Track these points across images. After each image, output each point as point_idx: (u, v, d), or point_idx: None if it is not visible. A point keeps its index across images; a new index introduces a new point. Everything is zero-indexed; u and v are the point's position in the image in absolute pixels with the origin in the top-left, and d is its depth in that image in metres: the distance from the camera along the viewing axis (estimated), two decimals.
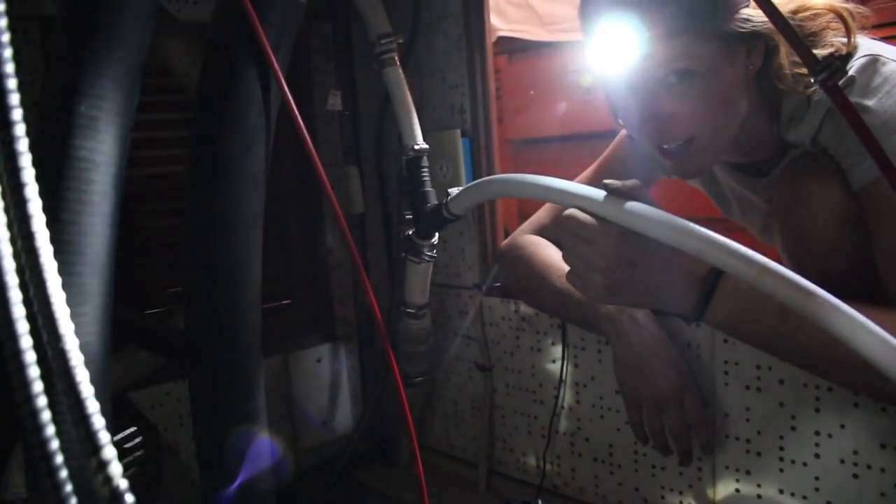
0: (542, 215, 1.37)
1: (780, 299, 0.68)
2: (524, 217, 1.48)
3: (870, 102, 0.91)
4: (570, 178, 1.28)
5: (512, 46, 2.37)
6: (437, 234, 1.27)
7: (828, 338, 0.67)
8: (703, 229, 0.75)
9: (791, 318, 0.85)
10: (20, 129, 0.43)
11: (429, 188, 1.30)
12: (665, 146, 1.04)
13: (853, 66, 0.94)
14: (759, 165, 1.17)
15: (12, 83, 0.42)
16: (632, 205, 0.82)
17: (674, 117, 1.00)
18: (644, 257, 0.88)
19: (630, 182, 0.84)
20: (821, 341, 0.80)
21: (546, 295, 1.24)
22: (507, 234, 1.60)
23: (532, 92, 2.34)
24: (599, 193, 0.86)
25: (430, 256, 1.31)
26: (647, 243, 0.84)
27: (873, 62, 0.94)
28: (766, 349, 0.97)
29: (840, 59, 0.60)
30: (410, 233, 1.29)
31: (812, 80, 0.68)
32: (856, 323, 0.64)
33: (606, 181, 0.85)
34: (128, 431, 1.21)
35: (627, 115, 1.08)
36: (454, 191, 1.11)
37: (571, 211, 0.90)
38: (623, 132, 1.31)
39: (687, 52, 0.95)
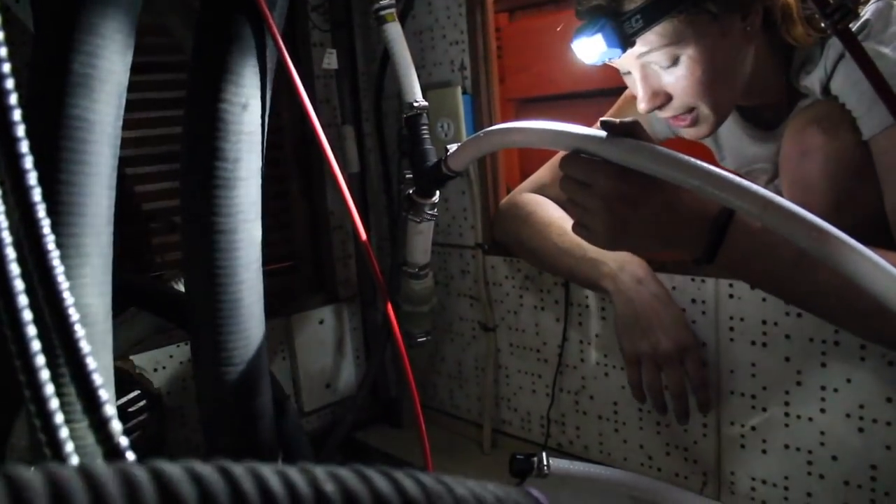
0: (542, 174, 1.36)
1: (788, 236, 0.66)
2: (526, 175, 1.47)
3: (885, 49, 0.89)
4: None
5: (513, 4, 2.34)
6: (437, 193, 1.26)
7: (844, 281, 0.65)
8: (705, 165, 0.71)
9: (806, 261, 0.83)
10: (9, 84, 0.42)
11: (429, 146, 1.28)
12: (666, 117, 1.05)
13: (868, 10, 0.92)
14: (769, 114, 1.15)
15: None
16: (630, 142, 0.79)
17: (670, 96, 1.01)
18: (647, 197, 0.84)
19: (628, 119, 0.81)
20: (837, 285, 0.79)
21: (547, 254, 1.23)
22: (509, 193, 1.59)
23: (534, 50, 2.31)
24: (597, 133, 0.82)
25: (431, 215, 1.30)
26: (649, 182, 0.81)
27: (890, 7, 0.92)
28: (778, 294, 0.95)
29: (852, 1, 0.58)
30: (411, 192, 1.27)
31: (822, 25, 0.66)
32: (869, 261, 0.62)
33: (603, 118, 0.82)
34: (131, 395, 1.21)
35: (631, 89, 1.09)
36: (453, 147, 1.10)
37: (568, 154, 0.87)
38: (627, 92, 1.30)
39: (669, 38, 0.94)
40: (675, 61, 0.97)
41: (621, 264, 1.12)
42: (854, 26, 0.92)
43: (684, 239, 0.89)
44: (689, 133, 1.10)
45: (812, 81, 1.00)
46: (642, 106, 1.04)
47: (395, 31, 1.31)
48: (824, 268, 0.67)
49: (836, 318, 0.92)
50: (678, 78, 0.99)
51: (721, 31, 0.96)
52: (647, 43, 0.96)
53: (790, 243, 0.69)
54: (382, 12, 1.31)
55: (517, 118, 2.51)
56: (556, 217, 1.23)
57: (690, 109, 1.03)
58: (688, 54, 0.96)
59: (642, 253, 1.12)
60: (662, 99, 1.03)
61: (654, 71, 1.00)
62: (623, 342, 1.14)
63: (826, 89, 0.99)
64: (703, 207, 0.87)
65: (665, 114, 1.05)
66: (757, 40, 1.01)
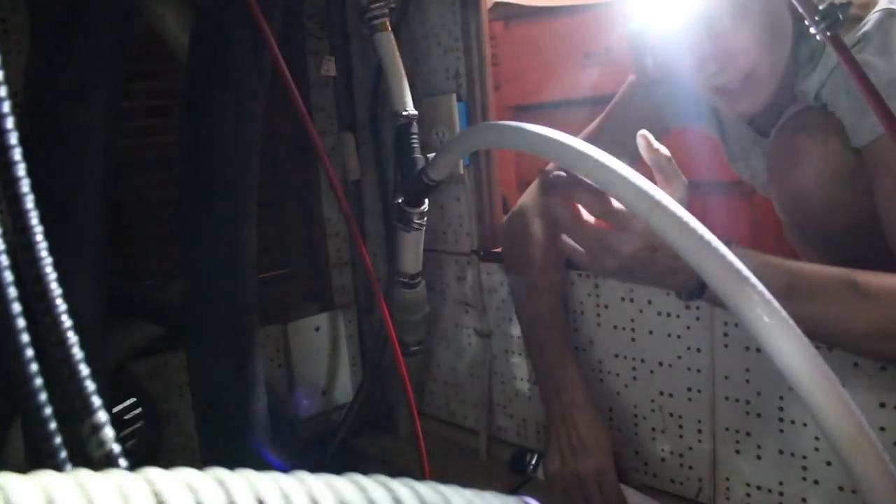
0: None
1: (670, 242, 0.63)
2: (521, 182, 1.47)
3: (878, 59, 0.89)
4: None
5: (508, 13, 2.34)
6: (426, 202, 1.26)
7: (838, 310, 0.66)
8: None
9: (799, 294, 0.84)
10: (2, 91, 0.42)
11: (417, 155, 1.29)
12: (722, 84, 1.00)
13: (870, 20, 0.92)
14: (762, 119, 1.14)
15: None
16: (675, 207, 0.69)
17: (732, 54, 0.97)
18: (658, 253, 0.85)
19: (668, 168, 0.82)
20: (832, 314, 0.80)
21: (531, 336, 1.30)
22: (504, 202, 1.59)
23: (529, 57, 2.32)
24: (575, 146, 0.77)
25: (420, 224, 1.30)
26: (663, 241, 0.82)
27: (890, 17, 0.91)
28: None
29: (840, 8, 0.58)
30: (399, 201, 1.27)
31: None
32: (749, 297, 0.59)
33: (651, 155, 0.83)
34: (127, 403, 1.21)
35: (679, 59, 1.03)
36: (433, 156, 1.10)
37: (601, 193, 0.84)
38: (631, 78, 1.29)
39: None
40: (738, 13, 0.94)
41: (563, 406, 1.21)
42: (853, 37, 0.92)
43: (678, 282, 0.91)
44: (741, 106, 1.04)
45: (807, 86, 1.00)
46: (711, 67, 0.99)
47: (386, 40, 1.31)
48: (819, 300, 0.67)
49: (839, 344, 0.92)
50: (741, 31, 0.95)
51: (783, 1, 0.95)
52: None
53: (780, 278, 0.69)
54: (375, 21, 1.31)
55: None
56: (550, 307, 1.28)
57: (747, 76, 0.98)
58: (757, 8, 0.94)
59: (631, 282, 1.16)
60: (720, 63, 0.98)
61: (715, 30, 0.96)
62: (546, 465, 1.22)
63: (818, 95, 0.99)
64: None
65: (721, 78, 0.99)
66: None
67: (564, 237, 0.94)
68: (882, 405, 1.02)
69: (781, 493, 1.15)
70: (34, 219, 0.44)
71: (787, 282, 0.74)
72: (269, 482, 0.30)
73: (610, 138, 1.20)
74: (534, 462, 1.26)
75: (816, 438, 1.09)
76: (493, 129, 0.92)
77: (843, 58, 0.64)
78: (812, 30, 0.60)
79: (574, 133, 1.32)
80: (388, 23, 1.34)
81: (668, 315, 1.23)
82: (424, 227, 1.30)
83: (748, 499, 1.19)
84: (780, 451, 1.14)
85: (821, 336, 0.90)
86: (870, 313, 0.81)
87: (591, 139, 1.24)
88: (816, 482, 1.11)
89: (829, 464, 1.09)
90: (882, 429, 1.03)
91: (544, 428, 1.44)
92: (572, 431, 1.18)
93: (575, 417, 1.18)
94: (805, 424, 1.10)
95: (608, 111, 1.34)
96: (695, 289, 0.90)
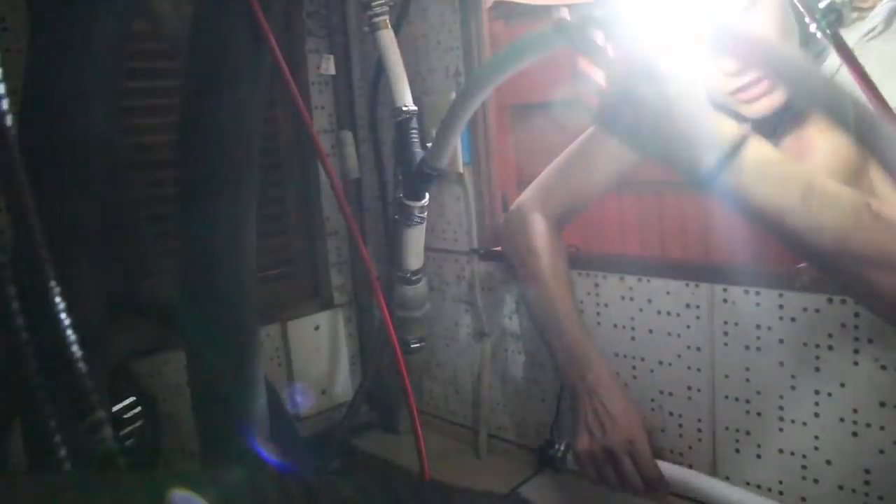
0: (549, 178, 1.32)
1: None
2: (521, 180, 1.46)
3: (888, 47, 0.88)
4: (571, 141, 1.27)
5: (508, 12, 2.34)
6: (426, 196, 1.26)
7: (845, 223, 0.64)
8: None
9: (813, 197, 0.81)
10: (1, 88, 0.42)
11: (417, 149, 1.28)
12: (743, 84, 0.97)
13: (880, 11, 0.91)
14: (765, 125, 1.13)
15: None
16: None
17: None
18: None
19: None
20: (839, 226, 0.78)
21: (545, 324, 1.26)
22: (504, 200, 1.59)
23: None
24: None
25: (421, 218, 1.29)
26: None
27: None
28: (779, 230, 0.85)
29: (842, 6, 0.57)
30: (401, 195, 1.27)
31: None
32: None
33: None
34: (126, 402, 1.21)
35: (702, 67, 0.98)
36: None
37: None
38: (591, 130, 1.27)
39: None
40: (756, 4, 0.93)
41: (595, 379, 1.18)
42: (864, 28, 0.91)
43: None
44: (761, 105, 1.01)
45: None
46: (731, 67, 0.96)
47: (387, 38, 1.31)
48: (831, 209, 0.65)
49: (834, 263, 0.83)
50: (761, 18, 0.93)
51: None
52: None
53: (798, 179, 0.68)
54: (375, 19, 1.31)
55: (512, 125, 2.52)
56: (561, 295, 1.25)
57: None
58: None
59: None
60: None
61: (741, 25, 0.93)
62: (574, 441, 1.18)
63: None
64: None
65: (743, 80, 0.97)
66: None
67: None
68: (882, 404, 1.02)
69: (781, 493, 1.15)
70: (34, 218, 0.44)
71: (804, 183, 0.72)
72: (270, 483, 0.30)
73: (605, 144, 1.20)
74: (562, 449, 1.23)
75: (816, 437, 1.09)
76: (470, 80, 0.92)
77: (842, 55, 0.64)
78: (812, 28, 0.59)
79: (573, 135, 1.33)
80: (388, 20, 1.34)
81: (669, 314, 1.23)
82: (425, 223, 1.30)
83: None
84: (780, 451, 1.14)
85: (820, 249, 0.82)
86: (873, 235, 0.78)
87: (586, 145, 1.24)
88: (816, 481, 1.11)
89: (828, 462, 1.09)
90: (882, 428, 1.03)
91: (543, 426, 1.44)
92: (599, 407, 1.15)
93: (600, 394, 1.15)
94: (805, 424, 1.10)
95: (567, 155, 1.30)
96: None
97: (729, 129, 0.81)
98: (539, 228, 1.27)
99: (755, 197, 0.86)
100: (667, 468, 1.10)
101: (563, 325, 1.21)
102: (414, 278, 1.39)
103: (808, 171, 0.83)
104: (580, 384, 1.17)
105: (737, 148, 0.81)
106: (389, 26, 1.33)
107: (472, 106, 1.08)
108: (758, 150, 0.82)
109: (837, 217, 0.78)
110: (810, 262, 0.88)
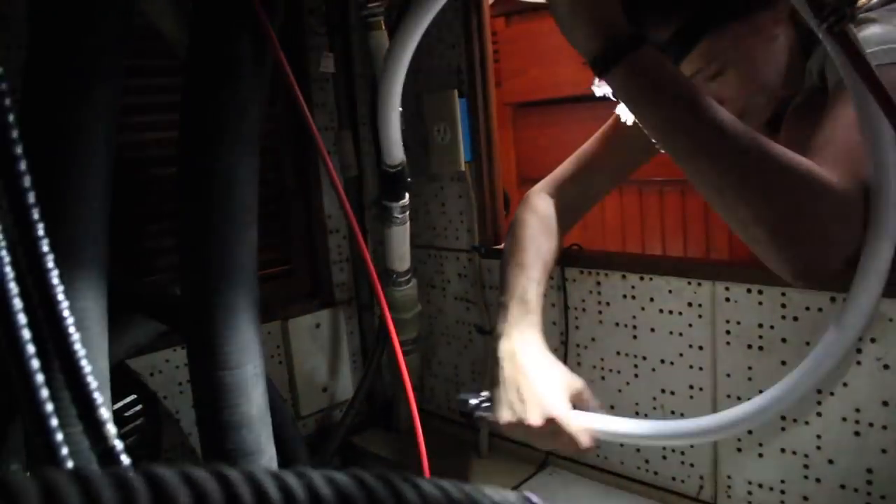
0: (563, 169, 1.29)
1: None
2: (523, 180, 1.46)
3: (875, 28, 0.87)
4: (573, 139, 1.27)
5: (510, 9, 2.34)
6: (406, 195, 1.24)
7: (712, 134, 0.65)
8: None
9: (681, 106, 0.80)
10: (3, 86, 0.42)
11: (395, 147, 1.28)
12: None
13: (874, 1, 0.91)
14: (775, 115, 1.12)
15: None
16: None
17: (723, 102, 0.96)
18: None
19: None
20: (707, 136, 0.78)
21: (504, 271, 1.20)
22: (505, 197, 1.59)
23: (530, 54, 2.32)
24: None
25: (401, 219, 1.28)
26: None
27: None
28: (660, 133, 0.86)
29: (849, 3, 0.57)
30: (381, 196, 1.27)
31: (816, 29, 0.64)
32: None
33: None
34: (127, 399, 1.21)
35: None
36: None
37: None
38: (604, 127, 1.27)
39: (709, 55, 0.92)
40: (720, 72, 0.95)
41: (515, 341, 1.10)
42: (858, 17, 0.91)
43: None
44: (764, 116, 1.03)
45: (811, 65, 0.98)
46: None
47: (380, 39, 1.32)
48: (701, 122, 0.66)
49: (720, 187, 0.82)
50: (728, 85, 0.95)
51: (753, 31, 0.94)
52: (690, 65, 0.93)
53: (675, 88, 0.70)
54: (370, 19, 1.31)
55: (513, 122, 2.52)
56: (521, 249, 1.20)
57: (743, 111, 0.97)
58: (731, 62, 0.94)
59: None
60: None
61: (700, 84, 0.94)
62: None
63: (820, 72, 0.97)
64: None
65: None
66: (785, 26, 0.98)
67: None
68: (885, 403, 1.02)
69: (783, 492, 1.15)
70: (36, 214, 0.43)
71: (694, 95, 0.75)
72: (269, 477, 0.29)
73: (618, 144, 1.20)
74: (479, 405, 1.15)
75: (818, 437, 1.09)
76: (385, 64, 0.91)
77: (849, 55, 0.63)
78: (815, 28, 0.59)
79: (575, 133, 1.33)
80: (382, 21, 1.34)
81: (671, 312, 1.23)
82: (408, 223, 1.28)
83: (750, 497, 1.19)
84: (782, 450, 1.14)
85: (712, 174, 0.81)
86: (757, 163, 0.78)
87: (600, 143, 1.23)
88: (818, 480, 1.10)
89: (830, 462, 1.09)
90: (884, 427, 1.02)
91: None
92: (520, 379, 1.06)
93: (523, 364, 1.07)
94: (807, 423, 1.10)
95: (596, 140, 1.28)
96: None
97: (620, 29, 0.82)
98: (539, 205, 1.24)
99: (639, 97, 0.85)
100: (593, 422, 1.05)
101: (507, 281, 1.14)
102: (400, 280, 1.37)
103: (695, 88, 0.82)
104: (505, 345, 1.09)
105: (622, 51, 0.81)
106: (384, 27, 1.33)
107: (395, 92, 1.07)
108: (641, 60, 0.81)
109: (705, 126, 0.78)
110: (692, 179, 0.85)
